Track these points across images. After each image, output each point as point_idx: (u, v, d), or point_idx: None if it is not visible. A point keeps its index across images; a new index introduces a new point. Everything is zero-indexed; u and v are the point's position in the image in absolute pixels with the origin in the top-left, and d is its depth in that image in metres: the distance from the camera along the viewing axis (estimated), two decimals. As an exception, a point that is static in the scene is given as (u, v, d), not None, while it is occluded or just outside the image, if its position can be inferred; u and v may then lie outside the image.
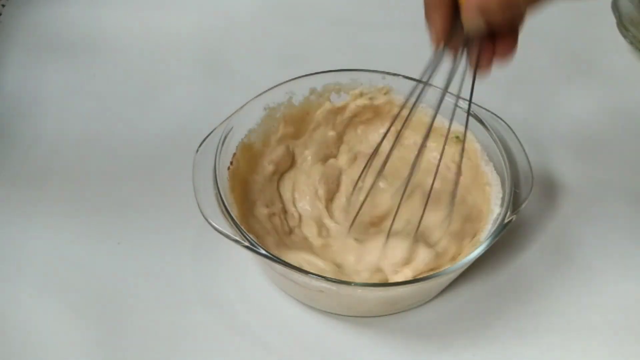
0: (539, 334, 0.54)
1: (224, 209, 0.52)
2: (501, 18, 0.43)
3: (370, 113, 0.62)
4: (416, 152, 0.53)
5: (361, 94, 0.62)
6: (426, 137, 0.52)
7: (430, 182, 0.55)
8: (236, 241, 0.50)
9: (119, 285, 0.56)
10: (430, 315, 0.55)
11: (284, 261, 0.50)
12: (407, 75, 0.60)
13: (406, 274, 0.53)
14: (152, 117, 0.68)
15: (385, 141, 0.56)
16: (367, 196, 0.56)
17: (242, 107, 0.58)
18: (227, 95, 0.68)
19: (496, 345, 0.53)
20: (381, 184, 0.59)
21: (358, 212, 0.56)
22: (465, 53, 0.47)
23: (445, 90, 0.49)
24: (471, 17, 0.43)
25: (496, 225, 0.53)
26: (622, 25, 0.77)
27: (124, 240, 0.58)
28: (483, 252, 0.51)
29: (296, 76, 0.61)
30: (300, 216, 0.59)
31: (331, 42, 0.77)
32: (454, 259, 0.54)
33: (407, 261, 0.54)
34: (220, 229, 0.51)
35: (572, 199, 0.63)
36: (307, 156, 0.61)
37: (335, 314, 0.54)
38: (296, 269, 0.49)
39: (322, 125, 0.62)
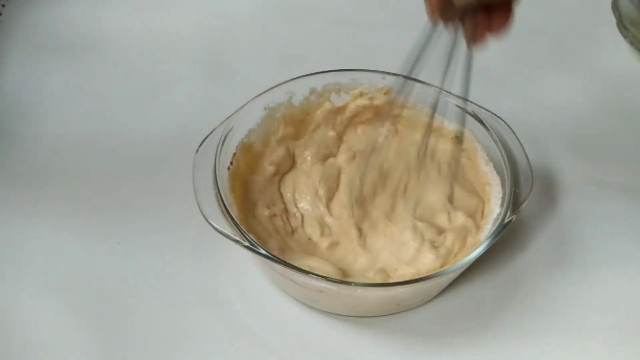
0: (539, 334, 0.54)
1: (224, 209, 0.52)
2: None
3: (370, 113, 0.62)
4: (415, 150, 0.53)
5: (361, 94, 0.62)
6: (429, 128, 0.51)
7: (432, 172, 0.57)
8: (236, 241, 0.50)
9: (119, 285, 0.56)
10: (430, 315, 0.55)
11: (284, 261, 0.50)
12: (407, 75, 0.60)
13: (407, 273, 0.53)
14: (152, 117, 0.68)
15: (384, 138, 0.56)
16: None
17: (242, 107, 0.58)
18: (227, 95, 0.68)
19: (496, 345, 0.53)
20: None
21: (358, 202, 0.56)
22: (460, 27, 0.48)
23: (447, 67, 0.50)
24: None
25: (496, 225, 0.53)
26: (622, 25, 0.77)
27: (124, 240, 0.58)
28: (483, 252, 0.51)
29: (296, 76, 0.61)
30: (302, 216, 0.59)
31: (331, 42, 0.77)
32: (456, 257, 0.54)
33: (413, 261, 0.54)
34: (220, 229, 0.51)
35: (572, 199, 0.63)
36: (307, 157, 0.61)
37: (335, 314, 0.54)
38: (296, 269, 0.49)
39: (322, 126, 0.62)
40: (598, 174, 0.65)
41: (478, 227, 0.55)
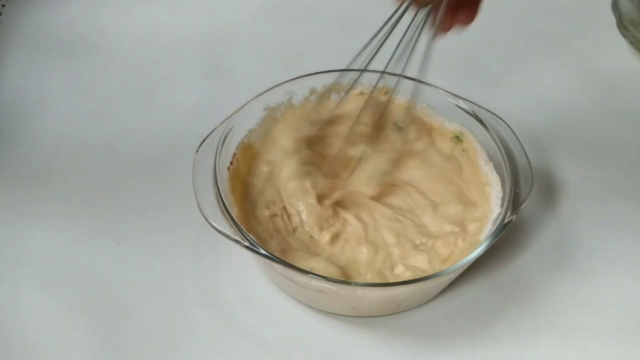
0: (539, 334, 0.54)
1: (224, 209, 0.52)
2: None
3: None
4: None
5: (361, 94, 0.62)
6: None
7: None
8: (236, 241, 0.50)
9: (119, 285, 0.56)
10: (430, 315, 0.55)
11: (284, 261, 0.50)
12: (407, 75, 0.60)
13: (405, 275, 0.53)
14: (152, 117, 0.68)
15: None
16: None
17: (242, 107, 0.58)
18: (227, 95, 0.68)
19: (496, 345, 0.53)
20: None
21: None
22: (427, 13, 0.50)
23: (409, 52, 0.53)
24: None
25: (496, 225, 0.53)
26: (622, 25, 0.77)
27: (124, 240, 0.58)
28: (483, 252, 0.51)
29: (296, 76, 0.61)
30: (299, 214, 0.58)
31: (331, 42, 0.77)
32: (446, 260, 0.54)
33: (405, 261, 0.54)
34: (220, 229, 0.51)
35: (572, 199, 0.63)
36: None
37: (335, 314, 0.54)
38: (296, 269, 0.49)
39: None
40: (598, 174, 0.65)
41: (466, 231, 0.56)
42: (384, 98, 0.62)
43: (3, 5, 0.79)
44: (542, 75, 0.75)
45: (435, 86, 0.60)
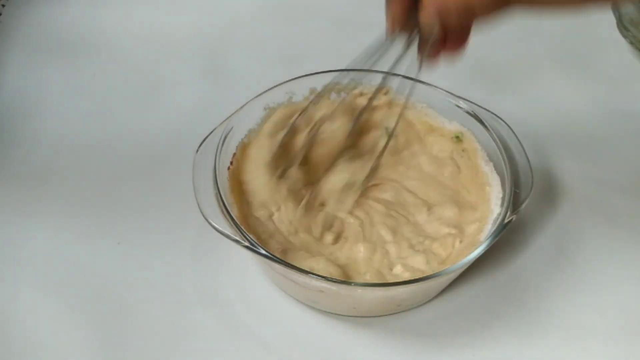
0: (539, 334, 0.54)
1: (224, 209, 0.52)
2: (457, 23, 0.45)
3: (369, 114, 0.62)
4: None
5: (361, 94, 0.62)
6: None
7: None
8: (236, 241, 0.50)
9: (119, 285, 0.56)
10: (430, 315, 0.55)
11: (284, 261, 0.50)
12: (407, 75, 0.60)
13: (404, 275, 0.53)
14: (152, 117, 0.68)
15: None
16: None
17: (242, 107, 0.58)
18: (227, 95, 0.68)
19: (496, 345, 0.53)
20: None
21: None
22: (416, 40, 0.50)
23: (391, 72, 0.54)
24: (429, 18, 0.46)
25: (496, 225, 0.53)
26: (622, 25, 0.77)
27: (124, 240, 0.58)
28: (483, 252, 0.51)
29: (296, 76, 0.61)
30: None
31: (331, 42, 0.77)
32: (444, 262, 0.54)
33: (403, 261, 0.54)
34: (220, 229, 0.51)
35: (572, 199, 0.63)
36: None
37: (335, 314, 0.54)
38: (296, 269, 0.49)
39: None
40: (598, 174, 0.65)
41: (463, 233, 0.56)
42: (384, 99, 0.62)
43: (3, 5, 0.79)
44: (542, 75, 0.75)
45: (435, 86, 0.60)
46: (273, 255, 0.50)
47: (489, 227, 0.54)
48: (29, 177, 0.63)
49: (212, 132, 0.56)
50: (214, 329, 0.53)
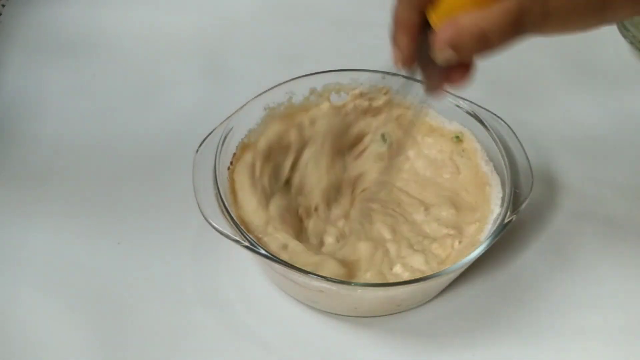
0: (539, 334, 0.54)
1: (224, 209, 0.52)
2: (472, 54, 0.43)
3: (370, 114, 0.62)
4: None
5: (361, 94, 0.62)
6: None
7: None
8: (236, 241, 0.50)
9: (119, 285, 0.56)
10: (430, 315, 0.55)
11: (284, 261, 0.50)
12: (407, 75, 0.60)
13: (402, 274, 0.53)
14: (152, 117, 0.68)
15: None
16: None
17: (242, 107, 0.58)
18: (227, 95, 0.68)
19: (496, 345, 0.53)
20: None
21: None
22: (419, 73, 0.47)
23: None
24: (443, 49, 0.43)
25: (496, 225, 0.53)
26: (622, 25, 0.77)
27: (124, 240, 0.58)
28: (483, 252, 0.51)
29: (296, 76, 0.61)
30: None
31: (331, 42, 0.77)
32: (443, 262, 0.54)
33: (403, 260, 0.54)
34: (220, 229, 0.51)
35: (572, 199, 0.63)
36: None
37: (335, 314, 0.54)
38: (296, 269, 0.49)
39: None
40: (598, 174, 0.65)
41: (462, 233, 0.56)
42: (384, 99, 0.62)
43: (3, 5, 0.79)
44: (542, 75, 0.75)
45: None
46: (273, 256, 0.50)
47: (488, 227, 0.54)
48: (29, 177, 0.63)
49: (212, 132, 0.56)
50: (214, 329, 0.53)
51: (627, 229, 0.61)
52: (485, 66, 0.74)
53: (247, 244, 0.50)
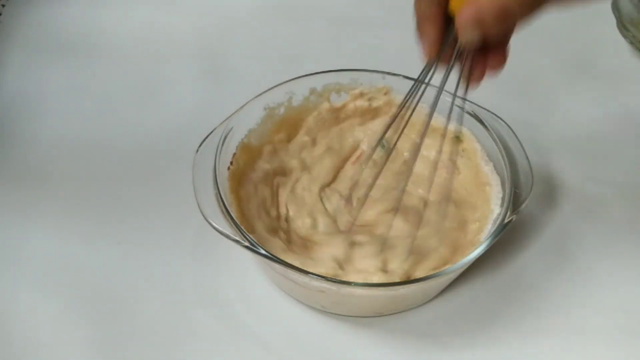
0: (539, 334, 0.54)
1: (224, 209, 0.52)
2: (496, 30, 0.42)
3: (370, 114, 0.62)
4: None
5: (361, 94, 0.62)
6: (422, 139, 0.52)
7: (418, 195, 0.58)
8: (236, 241, 0.50)
9: (118, 285, 0.56)
10: (430, 315, 0.55)
11: (284, 261, 0.50)
12: (407, 75, 0.60)
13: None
14: (152, 117, 0.68)
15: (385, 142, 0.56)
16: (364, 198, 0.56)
17: (242, 107, 0.58)
18: (227, 95, 0.68)
19: (496, 345, 0.53)
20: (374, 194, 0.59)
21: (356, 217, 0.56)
22: (456, 66, 0.47)
23: (437, 98, 0.51)
24: (466, 29, 0.42)
25: (496, 225, 0.53)
26: (622, 25, 0.77)
27: (124, 240, 0.58)
28: (483, 252, 0.51)
29: (296, 76, 0.61)
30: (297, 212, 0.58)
31: (331, 42, 0.77)
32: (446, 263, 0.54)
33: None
34: (220, 229, 0.51)
35: (572, 199, 0.63)
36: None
37: (335, 314, 0.54)
38: (296, 269, 0.49)
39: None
40: (598, 174, 0.65)
41: (463, 230, 0.56)
42: (384, 99, 0.62)
43: (3, 5, 0.79)
44: (542, 75, 0.75)
45: (435, 86, 0.60)
46: (273, 255, 0.50)
47: (489, 227, 0.54)
48: (29, 177, 0.63)
49: (212, 132, 0.56)
50: (214, 329, 0.53)
51: (627, 229, 0.61)
52: (485, 66, 0.75)
53: (247, 244, 0.50)
